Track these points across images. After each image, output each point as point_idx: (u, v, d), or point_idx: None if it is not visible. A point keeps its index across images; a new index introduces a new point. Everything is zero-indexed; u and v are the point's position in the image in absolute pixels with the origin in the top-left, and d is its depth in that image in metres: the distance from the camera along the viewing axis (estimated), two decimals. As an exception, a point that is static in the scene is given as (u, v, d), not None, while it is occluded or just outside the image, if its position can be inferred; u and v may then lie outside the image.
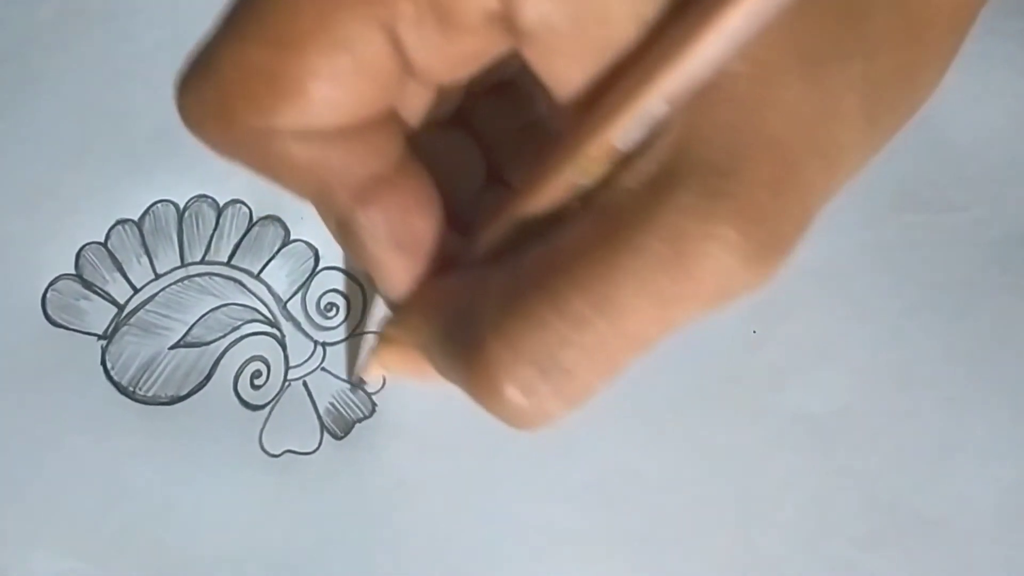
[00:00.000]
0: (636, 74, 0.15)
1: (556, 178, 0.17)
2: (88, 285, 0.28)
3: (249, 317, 0.28)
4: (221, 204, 0.29)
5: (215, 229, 0.29)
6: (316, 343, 0.28)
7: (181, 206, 0.29)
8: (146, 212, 0.29)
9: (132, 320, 0.28)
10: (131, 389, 0.28)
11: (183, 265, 0.29)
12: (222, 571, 0.27)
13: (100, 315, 0.28)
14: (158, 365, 0.28)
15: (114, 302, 0.28)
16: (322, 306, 0.29)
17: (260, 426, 0.28)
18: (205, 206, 0.29)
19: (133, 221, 0.29)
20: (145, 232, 0.29)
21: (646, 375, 0.28)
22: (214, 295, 0.28)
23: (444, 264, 0.19)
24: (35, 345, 0.28)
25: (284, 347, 0.28)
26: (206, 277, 0.29)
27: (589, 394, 0.16)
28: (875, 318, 0.29)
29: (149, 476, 0.27)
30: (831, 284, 0.29)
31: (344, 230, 0.18)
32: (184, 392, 0.28)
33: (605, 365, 0.16)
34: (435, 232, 0.19)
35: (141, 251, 0.29)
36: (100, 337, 0.28)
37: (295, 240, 0.29)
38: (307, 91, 0.15)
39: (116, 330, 0.28)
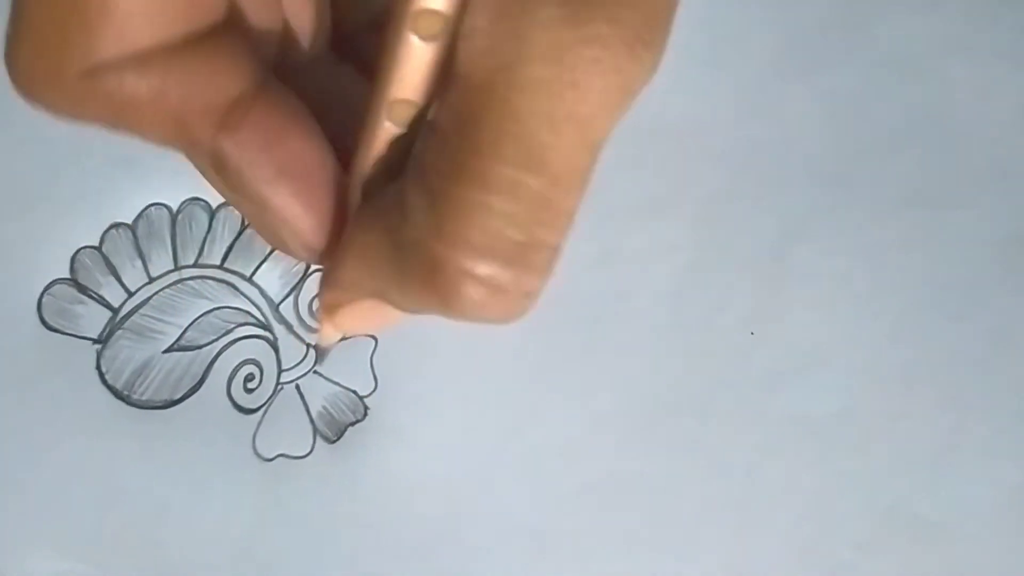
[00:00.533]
0: None
1: (398, 49, 0.15)
2: (83, 289, 0.29)
3: (242, 320, 0.28)
4: (214, 207, 0.29)
5: (208, 232, 0.29)
6: (308, 346, 0.28)
7: (174, 209, 0.29)
8: (140, 215, 0.29)
9: (126, 324, 0.28)
10: (126, 393, 0.28)
11: (176, 268, 0.29)
12: (215, 571, 0.27)
13: (95, 319, 0.28)
14: (152, 369, 0.28)
15: (108, 306, 0.28)
16: (314, 308, 0.29)
17: (253, 429, 0.28)
18: (198, 209, 0.29)
19: (127, 224, 0.29)
20: (139, 235, 0.29)
21: (642, 377, 0.28)
22: (207, 298, 0.28)
23: (345, 205, 0.18)
24: (31, 349, 0.28)
25: (277, 350, 0.28)
26: (199, 280, 0.29)
27: (556, 255, 0.16)
28: (875, 319, 0.29)
29: (144, 479, 0.27)
30: (830, 285, 0.29)
31: (220, 170, 0.17)
32: (178, 396, 0.28)
33: (556, 218, 0.15)
34: (319, 155, 0.17)
35: (135, 254, 0.29)
36: (95, 341, 0.28)
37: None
38: (112, 5, 0.14)
39: (111, 334, 0.28)
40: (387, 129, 0.17)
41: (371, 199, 0.17)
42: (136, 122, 0.16)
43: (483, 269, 0.15)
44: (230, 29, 0.16)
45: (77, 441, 0.28)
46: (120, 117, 0.16)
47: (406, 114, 0.16)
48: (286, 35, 0.18)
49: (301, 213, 0.17)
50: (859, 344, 0.29)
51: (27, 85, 0.15)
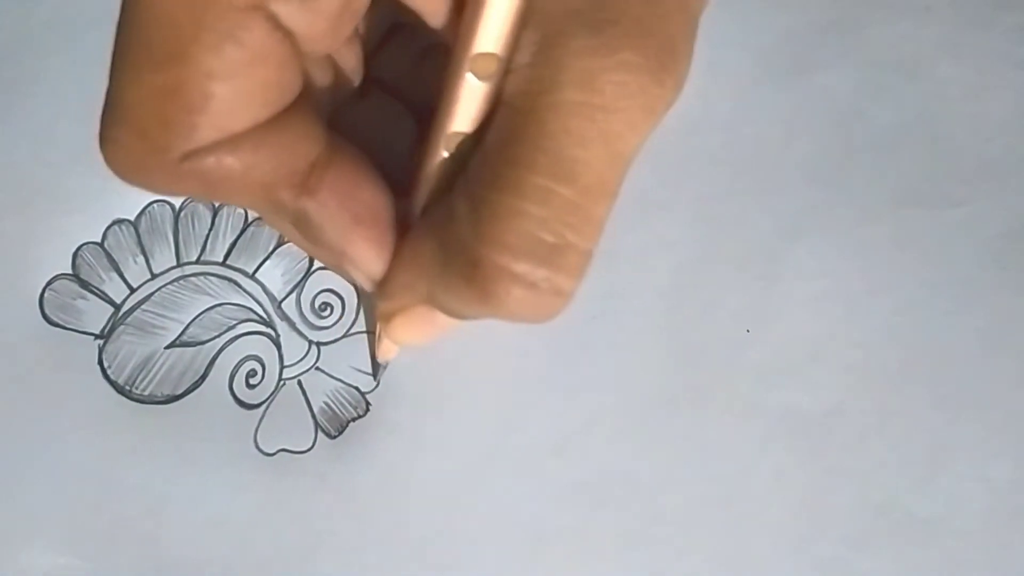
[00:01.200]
0: None
1: (458, 90, 0.17)
2: (85, 285, 0.29)
3: (244, 317, 0.29)
4: (216, 204, 0.29)
5: (211, 229, 0.29)
6: (311, 343, 0.29)
7: (177, 206, 0.29)
8: (142, 212, 0.29)
9: (129, 320, 0.28)
10: (128, 388, 0.28)
11: (179, 265, 0.29)
12: (216, 567, 0.27)
13: (97, 315, 0.29)
14: (154, 364, 0.28)
15: (111, 302, 0.29)
16: (316, 306, 0.29)
17: (255, 425, 0.28)
18: (201, 206, 0.29)
19: (129, 221, 0.29)
20: (141, 232, 0.29)
21: (638, 374, 0.29)
22: (209, 295, 0.29)
23: (404, 227, 0.19)
24: (33, 344, 0.28)
25: (279, 346, 0.28)
26: (202, 277, 0.29)
27: (588, 258, 0.17)
28: (869, 317, 0.29)
29: (145, 474, 0.27)
30: (824, 282, 0.29)
31: (302, 227, 0.18)
32: (180, 391, 0.28)
33: (586, 224, 0.17)
34: (384, 198, 0.19)
35: (137, 251, 0.29)
36: (97, 336, 0.28)
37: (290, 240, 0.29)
38: (212, 94, 0.15)
39: (113, 329, 0.28)
40: (444, 157, 0.18)
41: (424, 213, 0.19)
42: (229, 194, 0.17)
43: (518, 267, 0.16)
44: (303, 97, 0.18)
45: (78, 436, 0.28)
46: (211, 191, 0.17)
47: (461, 143, 0.18)
48: (336, 84, 0.20)
49: (374, 256, 0.19)
50: (853, 341, 0.29)
51: (125, 167, 0.17)
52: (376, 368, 0.28)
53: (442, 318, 0.20)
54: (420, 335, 0.22)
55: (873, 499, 0.28)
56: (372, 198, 0.19)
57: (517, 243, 0.16)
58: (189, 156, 0.16)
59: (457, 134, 0.18)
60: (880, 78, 0.31)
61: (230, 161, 0.16)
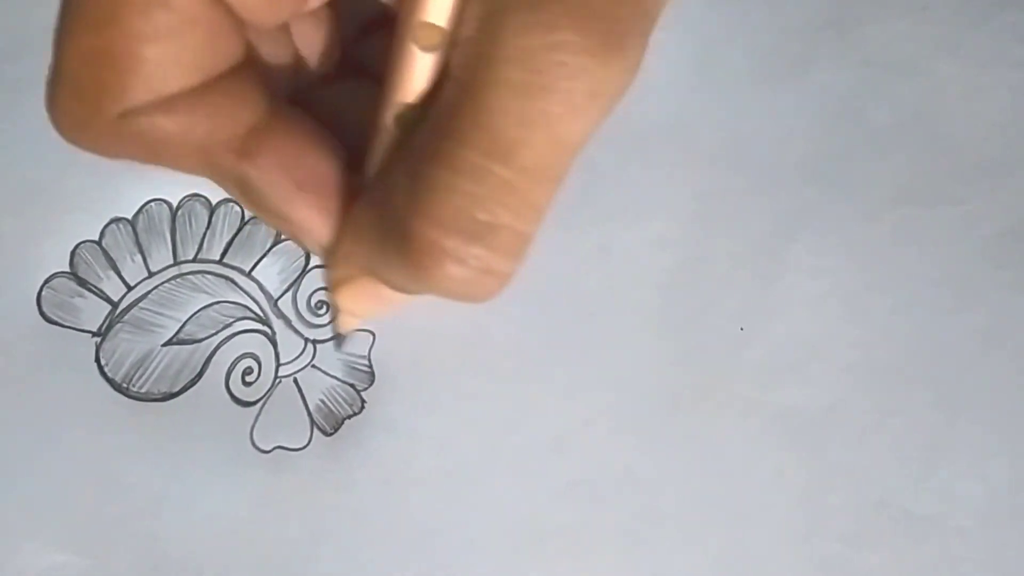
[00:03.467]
0: None
1: (402, 59, 0.17)
2: (83, 283, 0.29)
3: (241, 315, 0.29)
4: (213, 203, 0.29)
5: (207, 228, 0.29)
6: (307, 340, 0.29)
7: (174, 205, 0.29)
8: (140, 211, 0.29)
9: (126, 317, 0.29)
10: (125, 386, 0.28)
11: (176, 263, 0.29)
12: (213, 564, 0.27)
13: (94, 312, 0.29)
14: (151, 362, 0.28)
15: (108, 299, 0.29)
16: (312, 304, 0.29)
17: (251, 422, 0.28)
18: (198, 205, 0.29)
19: (127, 220, 0.29)
20: (139, 230, 0.29)
21: (636, 373, 0.29)
22: (206, 293, 0.29)
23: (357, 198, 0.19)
24: (30, 342, 0.28)
25: (275, 344, 0.28)
26: (199, 275, 0.29)
27: (524, 241, 0.17)
28: (865, 315, 0.29)
29: (142, 471, 0.27)
30: (822, 280, 0.29)
31: (245, 191, 0.18)
32: (177, 389, 0.28)
33: (523, 206, 0.16)
34: (332, 167, 0.19)
35: (135, 249, 0.29)
36: (94, 334, 0.28)
37: (286, 238, 0.29)
38: (142, 56, 0.16)
39: (110, 327, 0.29)
40: (391, 131, 0.18)
41: (370, 184, 0.19)
42: (166, 157, 0.17)
43: (449, 242, 0.16)
44: (245, 65, 0.18)
45: (76, 433, 0.28)
46: (151, 153, 0.17)
47: (408, 117, 0.18)
48: (298, 62, 0.20)
49: (319, 223, 0.19)
50: (850, 340, 0.29)
51: (66, 128, 0.17)
52: (337, 340, 0.28)
53: (388, 291, 0.20)
54: (367, 308, 0.22)
55: (871, 497, 0.28)
56: (318, 165, 0.18)
57: (449, 218, 0.16)
58: (125, 117, 0.16)
59: (403, 105, 0.18)
60: (878, 77, 0.31)
61: (164, 122, 0.17)
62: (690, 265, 0.29)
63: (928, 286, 0.29)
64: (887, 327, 0.29)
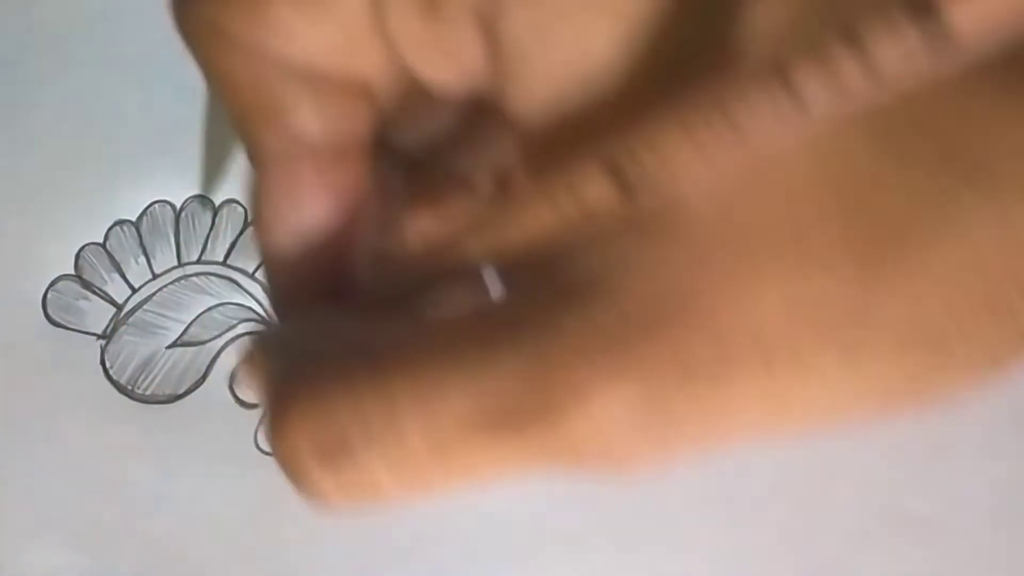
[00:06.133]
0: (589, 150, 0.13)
1: (471, 233, 0.15)
2: (87, 285, 0.29)
3: (244, 316, 0.29)
4: (217, 204, 0.30)
5: (211, 229, 0.29)
6: (310, 342, 0.29)
7: (178, 207, 0.30)
8: (144, 213, 0.30)
9: (130, 320, 0.29)
10: (129, 388, 0.28)
11: (180, 265, 0.29)
12: (216, 565, 0.27)
13: (99, 315, 0.29)
14: (156, 364, 0.28)
15: (113, 302, 0.29)
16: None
17: (255, 424, 0.28)
18: (201, 207, 0.29)
19: (131, 222, 0.29)
20: (143, 232, 0.29)
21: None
22: (210, 294, 0.29)
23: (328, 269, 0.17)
24: (35, 345, 0.28)
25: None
26: (202, 277, 0.29)
27: (376, 493, 0.14)
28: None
29: (146, 473, 0.28)
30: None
31: (256, 165, 0.17)
32: (181, 391, 0.28)
33: (404, 476, 0.14)
34: (331, 233, 0.16)
35: (139, 251, 0.29)
36: (99, 337, 0.29)
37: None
38: (271, 8, 0.15)
39: (115, 330, 0.29)
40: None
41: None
42: (244, 85, 0.16)
43: (302, 435, 0.14)
44: (360, 92, 0.16)
45: (81, 435, 0.28)
46: (247, 75, 0.16)
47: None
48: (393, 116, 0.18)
49: (279, 244, 0.17)
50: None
51: (188, 25, 0.16)
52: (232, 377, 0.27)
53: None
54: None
55: (873, 497, 0.28)
56: (318, 220, 0.16)
57: (324, 415, 0.14)
58: (245, 40, 0.15)
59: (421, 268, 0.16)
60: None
61: (274, 71, 0.15)
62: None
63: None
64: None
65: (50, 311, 0.29)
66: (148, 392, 0.28)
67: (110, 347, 0.29)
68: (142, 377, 0.28)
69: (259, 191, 0.17)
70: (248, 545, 0.27)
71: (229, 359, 0.28)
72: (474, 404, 0.13)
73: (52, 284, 0.29)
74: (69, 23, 0.31)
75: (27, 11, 0.31)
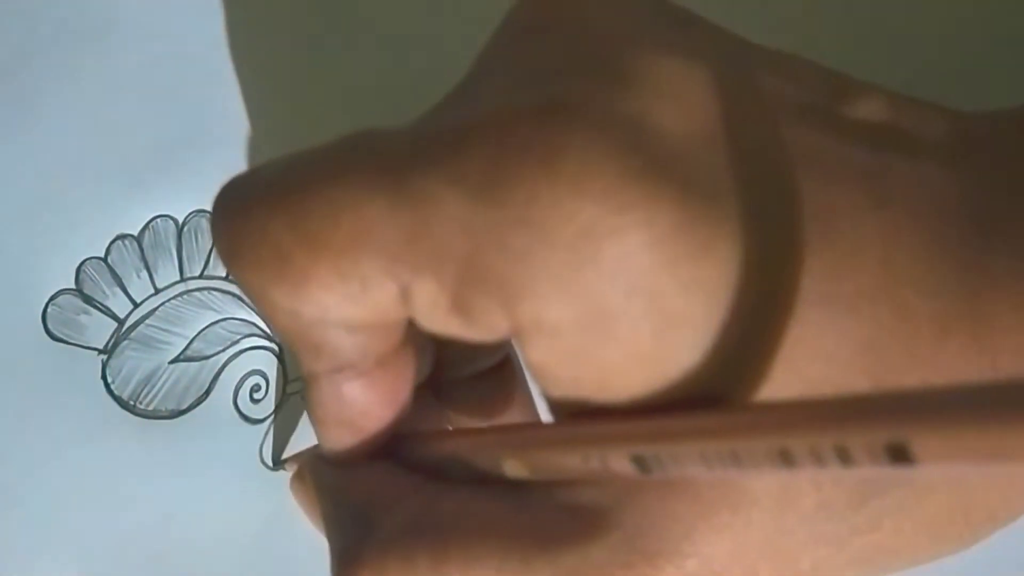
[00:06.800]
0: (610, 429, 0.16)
1: (509, 452, 0.17)
2: (88, 300, 0.29)
3: (248, 331, 0.29)
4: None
5: (214, 244, 0.29)
6: (314, 357, 0.29)
7: (180, 221, 0.29)
8: (146, 227, 0.29)
9: (132, 335, 0.29)
10: (132, 403, 0.28)
11: (182, 279, 0.29)
12: (222, 583, 0.27)
13: (100, 330, 0.29)
14: (158, 379, 0.28)
15: (114, 317, 0.29)
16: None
17: (260, 440, 0.28)
18: (204, 221, 0.29)
19: (133, 236, 0.29)
20: (145, 247, 0.29)
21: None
22: (213, 309, 0.29)
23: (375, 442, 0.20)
24: (36, 359, 0.28)
25: (283, 361, 0.28)
26: (205, 292, 0.29)
27: None
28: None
29: (149, 489, 0.27)
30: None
31: (305, 379, 0.19)
32: (184, 406, 0.28)
33: None
34: (385, 425, 0.19)
35: (141, 266, 0.29)
36: (100, 351, 0.28)
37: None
38: (306, 289, 0.16)
39: (116, 344, 0.28)
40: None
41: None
42: (290, 319, 0.17)
43: None
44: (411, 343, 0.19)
45: (83, 451, 0.28)
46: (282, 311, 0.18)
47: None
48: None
49: (336, 444, 0.20)
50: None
51: (223, 246, 0.18)
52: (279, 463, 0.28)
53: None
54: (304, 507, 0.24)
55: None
56: (374, 423, 0.19)
57: None
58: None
59: (473, 467, 0.18)
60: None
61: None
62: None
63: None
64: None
65: (51, 326, 0.28)
66: (150, 408, 0.28)
67: (112, 362, 0.28)
68: (144, 392, 0.28)
69: (310, 396, 0.19)
70: (253, 561, 0.27)
71: (232, 374, 0.28)
72: None
73: (53, 298, 0.29)
74: (72, 36, 0.31)
75: (30, 23, 0.31)
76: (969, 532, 0.18)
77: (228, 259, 0.17)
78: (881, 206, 0.16)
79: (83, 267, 0.29)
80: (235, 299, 0.29)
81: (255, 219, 0.16)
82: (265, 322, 0.19)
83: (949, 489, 0.17)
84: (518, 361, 0.24)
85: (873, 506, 0.16)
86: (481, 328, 0.16)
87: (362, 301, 0.16)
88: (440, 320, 0.16)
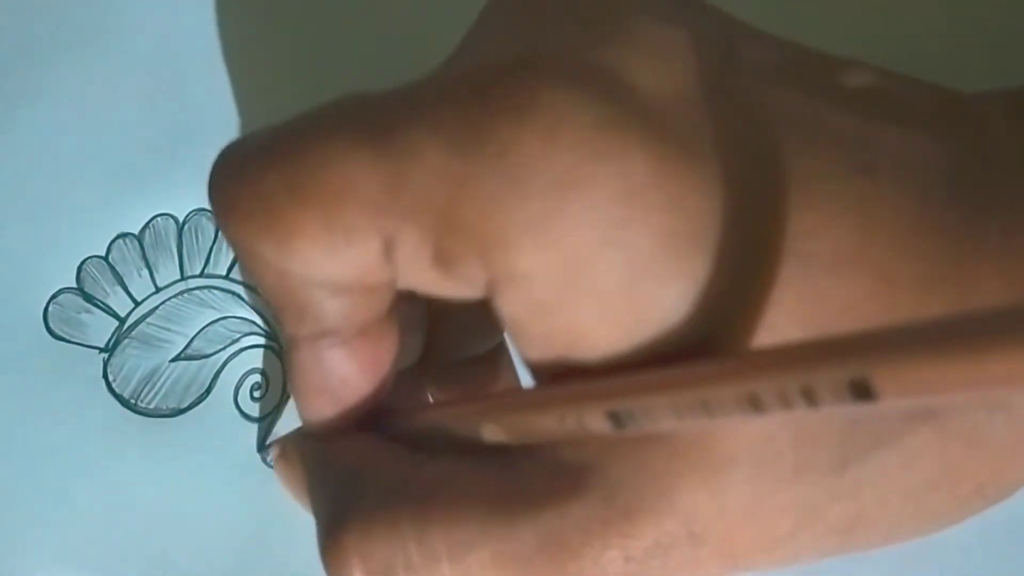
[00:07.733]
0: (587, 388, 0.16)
1: (488, 418, 0.17)
2: (89, 298, 0.29)
3: (248, 330, 0.29)
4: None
5: (214, 242, 0.29)
6: (315, 355, 0.29)
7: (181, 220, 0.29)
8: (146, 226, 0.29)
9: (133, 333, 0.29)
10: (133, 402, 0.28)
11: (183, 278, 0.29)
12: (223, 581, 0.27)
13: (101, 328, 0.29)
14: (159, 378, 0.28)
15: (115, 315, 0.29)
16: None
17: (260, 438, 0.28)
18: (205, 220, 0.29)
19: (134, 235, 0.29)
20: (145, 246, 0.29)
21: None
22: (213, 308, 0.29)
23: (358, 416, 0.20)
24: (37, 358, 0.28)
25: (283, 359, 0.29)
26: (206, 290, 0.29)
27: None
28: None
29: (151, 487, 0.28)
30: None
31: (287, 344, 0.19)
32: (185, 404, 0.28)
33: None
34: (364, 396, 0.19)
35: (142, 264, 0.29)
36: (102, 350, 0.28)
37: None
38: (292, 242, 0.17)
39: (117, 343, 0.29)
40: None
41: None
42: (277, 284, 0.18)
43: (357, 572, 0.18)
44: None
45: (83, 449, 0.28)
46: (273, 276, 0.18)
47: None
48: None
49: (316, 415, 0.20)
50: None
51: (220, 208, 0.18)
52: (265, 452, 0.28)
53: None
54: (290, 489, 0.24)
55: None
56: (355, 390, 0.19)
57: (375, 557, 0.17)
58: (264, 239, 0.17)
59: (456, 434, 0.19)
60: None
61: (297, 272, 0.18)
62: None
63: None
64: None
65: (51, 324, 0.29)
66: (151, 406, 0.28)
67: (113, 361, 0.28)
68: (145, 391, 0.28)
69: (291, 362, 0.19)
70: (254, 559, 0.27)
71: (233, 372, 0.28)
72: (497, 559, 0.16)
73: (54, 297, 0.29)
74: (71, 35, 0.31)
75: (28, 21, 0.31)
76: (956, 505, 0.18)
77: (221, 214, 0.18)
78: (865, 172, 0.16)
79: (84, 266, 0.29)
80: (236, 298, 0.29)
81: (248, 176, 0.17)
82: (253, 283, 0.20)
83: (933, 457, 0.16)
84: (509, 352, 0.24)
85: (853, 472, 0.16)
86: (460, 281, 0.16)
87: (347, 256, 0.16)
88: (423, 275, 0.16)
